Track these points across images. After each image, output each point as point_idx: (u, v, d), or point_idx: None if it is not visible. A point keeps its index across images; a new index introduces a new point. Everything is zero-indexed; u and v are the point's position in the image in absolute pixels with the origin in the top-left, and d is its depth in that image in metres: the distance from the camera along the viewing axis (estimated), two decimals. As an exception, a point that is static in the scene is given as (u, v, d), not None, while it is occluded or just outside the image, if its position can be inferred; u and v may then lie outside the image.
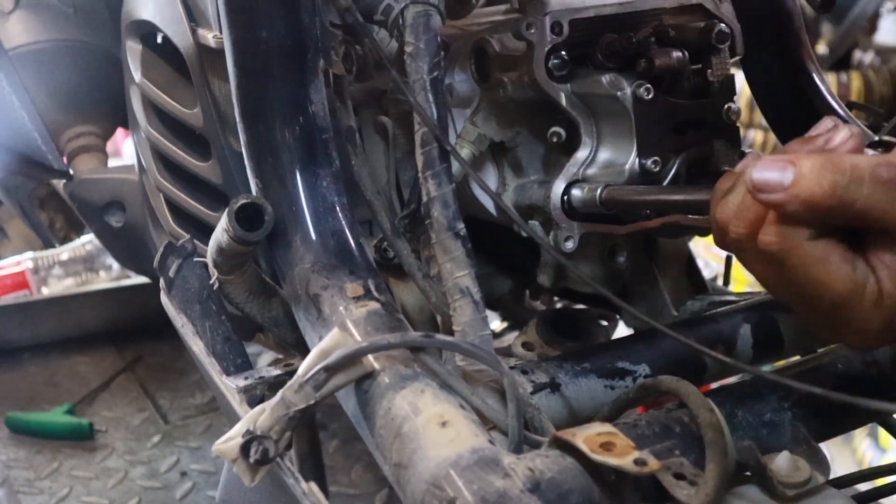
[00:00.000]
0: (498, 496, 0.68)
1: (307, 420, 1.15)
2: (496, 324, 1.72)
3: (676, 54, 0.96)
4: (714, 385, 1.10)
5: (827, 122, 0.76)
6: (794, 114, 1.23)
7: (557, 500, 0.70)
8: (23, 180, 1.70)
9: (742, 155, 1.02)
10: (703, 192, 0.80)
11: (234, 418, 0.90)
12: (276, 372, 0.98)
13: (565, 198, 0.97)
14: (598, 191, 0.94)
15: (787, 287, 0.72)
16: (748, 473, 0.77)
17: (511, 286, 1.27)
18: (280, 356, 1.10)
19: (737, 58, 1.02)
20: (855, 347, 0.73)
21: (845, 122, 0.84)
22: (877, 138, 0.88)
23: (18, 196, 1.73)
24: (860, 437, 2.85)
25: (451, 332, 0.88)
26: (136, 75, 1.30)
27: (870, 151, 0.75)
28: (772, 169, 0.68)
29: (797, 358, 1.09)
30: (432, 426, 0.75)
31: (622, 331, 1.21)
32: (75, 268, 2.40)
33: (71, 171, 1.60)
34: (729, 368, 1.05)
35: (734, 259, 1.30)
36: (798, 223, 0.69)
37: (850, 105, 1.21)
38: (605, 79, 0.95)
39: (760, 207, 0.70)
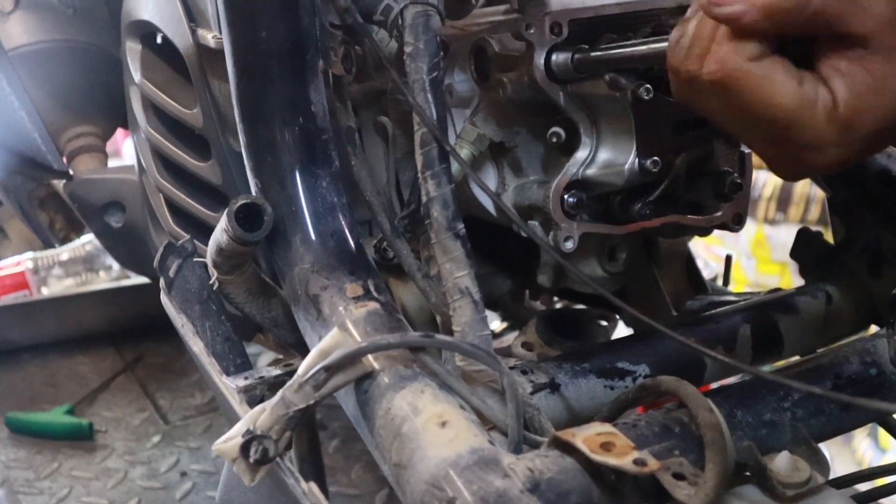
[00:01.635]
0: (497, 496, 0.68)
1: (307, 420, 1.15)
2: (496, 324, 1.72)
3: (676, 54, 0.95)
4: (714, 385, 1.10)
5: None
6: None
7: (557, 500, 0.70)
8: (23, 180, 1.70)
9: (742, 155, 1.02)
10: (663, 42, 0.80)
11: (233, 418, 0.90)
12: (275, 372, 0.98)
13: (565, 198, 0.97)
14: (570, 55, 0.93)
15: (738, 116, 0.72)
16: (748, 473, 0.77)
17: (511, 286, 1.27)
18: (280, 356, 1.10)
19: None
20: (815, 169, 0.73)
21: None
22: None
23: (18, 196, 1.73)
24: (860, 437, 2.85)
25: (450, 333, 0.88)
26: (136, 75, 1.30)
27: None
28: None
29: (797, 358, 1.09)
30: (432, 426, 0.75)
31: (622, 331, 1.21)
32: (75, 268, 2.40)
33: (71, 172, 1.60)
34: (729, 368, 1.05)
35: (734, 259, 1.31)
36: (745, 39, 0.69)
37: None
38: (605, 79, 0.95)
39: (708, 38, 0.71)
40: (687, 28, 0.74)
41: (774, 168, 0.76)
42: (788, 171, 0.76)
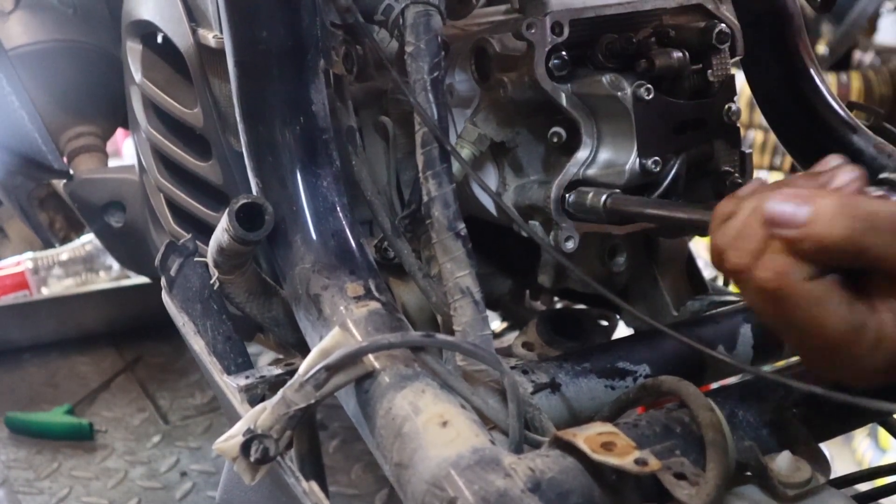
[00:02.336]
0: (498, 496, 0.68)
1: (307, 420, 1.15)
2: (496, 324, 1.72)
3: (677, 54, 0.96)
4: (714, 385, 1.10)
5: (833, 160, 0.74)
6: (794, 114, 1.23)
7: (558, 499, 0.70)
8: (23, 180, 1.70)
9: (742, 155, 1.02)
10: (706, 213, 0.78)
11: (234, 417, 0.90)
12: (276, 371, 0.98)
13: (566, 198, 0.97)
14: (603, 198, 0.94)
15: (783, 323, 0.70)
16: (749, 473, 0.77)
17: (511, 286, 1.27)
18: (280, 356, 1.10)
19: (737, 58, 1.02)
20: (852, 384, 0.71)
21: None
22: (882, 176, 0.86)
23: (18, 196, 1.73)
24: (860, 437, 2.85)
25: (451, 332, 0.88)
26: (137, 75, 1.30)
27: (873, 189, 0.72)
28: (789, 203, 0.66)
29: (797, 358, 1.09)
30: (433, 426, 0.75)
31: (622, 331, 1.21)
32: (75, 268, 2.40)
33: (71, 171, 1.60)
34: (729, 368, 1.05)
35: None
36: (802, 261, 0.66)
37: (851, 105, 1.21)
38: (606, 79, 0.95)
39: (761, 239, 0.68)
40: (739, 212, 0.70)
41: (806, 363, 0.74)
42: (818, 371, 0.74)
